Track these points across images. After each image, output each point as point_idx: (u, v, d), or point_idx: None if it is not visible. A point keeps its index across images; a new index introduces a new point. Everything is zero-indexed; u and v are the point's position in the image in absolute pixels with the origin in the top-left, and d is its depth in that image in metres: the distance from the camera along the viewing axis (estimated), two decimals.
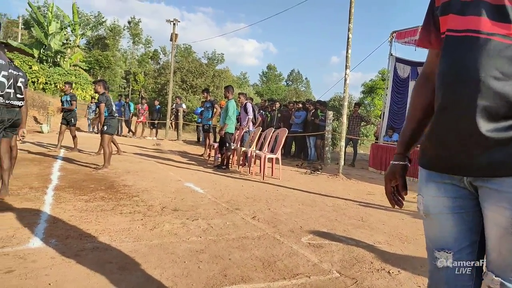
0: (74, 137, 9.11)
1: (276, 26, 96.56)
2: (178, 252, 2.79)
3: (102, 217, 3.58)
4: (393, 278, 2.57)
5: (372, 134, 20.52)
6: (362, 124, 11.74)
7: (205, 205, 4.40)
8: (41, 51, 25.45)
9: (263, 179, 6.70)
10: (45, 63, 24.75)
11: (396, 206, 1.29)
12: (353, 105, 14.12)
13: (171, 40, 18.86)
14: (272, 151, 7.60)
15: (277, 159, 7.22)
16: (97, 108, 17.63)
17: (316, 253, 2.96)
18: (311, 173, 8.10)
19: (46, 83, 21.80)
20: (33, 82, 20.74)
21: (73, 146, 9.03)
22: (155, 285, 2.24)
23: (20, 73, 4.03)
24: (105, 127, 6.69)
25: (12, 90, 4.03)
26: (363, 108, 24.04)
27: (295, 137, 11.26)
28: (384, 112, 11.42)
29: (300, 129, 11.10)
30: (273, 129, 8.21)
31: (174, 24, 18.54)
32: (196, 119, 17.02)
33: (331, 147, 9.88)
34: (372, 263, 2.83)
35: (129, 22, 41.55)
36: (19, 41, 28.40)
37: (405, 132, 1.27)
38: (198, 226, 3.52)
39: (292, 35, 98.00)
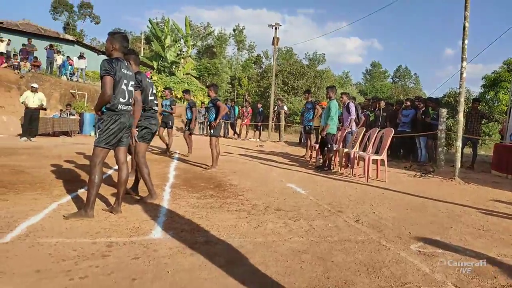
0: (169, 139, 9.72)
1: (380, 21, 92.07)
2: (280, 250, 2.86)
3: (211, 214, 3.85)
4: None
5: (496, 133, 18.15)
6: (483, 122, 10.46)
7: (307, 206, 4.41)
8: (159, 62, 28.40)
9: (367, 181, 6.45)
10: (162, 73, 27.57)
11: None
12: (471, 101, 12.69)
13: (272, 44, 19.36)
14: (377, 152, 7.26)
15: (382, 160, 6.87)
16: (206, 113, 18.97)
17: (428, 262, 2.74)
18: (422, 176, 7.50)
19: (163, 90, 24.25)
20: None
21: (168, 147, 9.53)
22: (259, 281, 2.33)
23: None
24: (212, 130, 7.15)
25: (152, 97, 4.65)
26: (484, 104, 21.38)
27: (403, 138, 10.55)
28: (511, 108, 10.00)
29: (408, 128, 10.36)
30: (378, 129, 7.83)
31: (275, 28, 18.98)
32: (297, 120, 17.14)
33: (445, 148, 8.99)
34: (495, 278, 2.51)
35: (234, 30, 43.85)
36: (142, 55, 32.10)
37: None
38: (300, 226, 3.55)
39: (398, 29, 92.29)
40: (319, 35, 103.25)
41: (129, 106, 3.72)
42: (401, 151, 11.29)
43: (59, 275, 2.26)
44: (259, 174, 6.89)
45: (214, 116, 7.08)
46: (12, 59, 17.92)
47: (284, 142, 16.19)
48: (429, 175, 7.53)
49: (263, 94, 31.62)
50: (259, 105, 18.89)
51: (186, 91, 9.96)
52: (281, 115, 16.51)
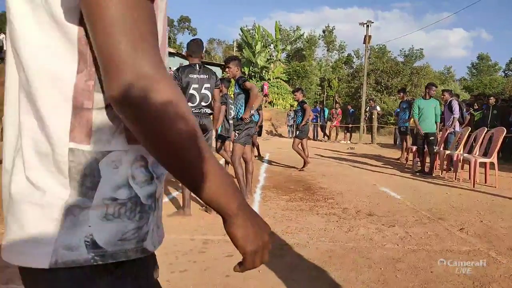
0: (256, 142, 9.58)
1: (489, 8, 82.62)
2: (373, 257, 2.74)
3: (301, 216, 3.86)
4: None
5: None
6: None
7: (403, 212, 4.15)
8: (250, 68, 29.40)
9: (473, 186, 5.82)
10: (253, 79, 28.48)
11: None
12: None
13: (364, 42, 18.68)
14: (486, 154, 6.52)
15: (492, 163, 6.14)
16: (295, 115, 19.07)
17: None
18: None
19: None
20: None
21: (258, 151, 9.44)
22: (350, 287, 2.27)
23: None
24: (298, 132, 7.25)
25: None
26: None
27: None
28: None
29: None
30: (486, 129, 7.02)
31: (367, 26, 18.29)
32: (392, 121, 16.25)
33: None
34: None
35: (323, 31, 43.38)
36: None
37: None
38: (394, 233, 3.36)
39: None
40: (416, 29, 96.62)
41: (203, 109, 3.78)
42: None
43: (162, 268, 2.47)
44: (350, 177, 6.69)
45: (301, 119, 7.26)
46: None
47: (377, 144, 15.47)
48: None
49: (354, 94, 30.67)
50: (349, 107, 18.36)
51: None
52: (373, 116, 15.82)
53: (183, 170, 0.55)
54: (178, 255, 2.70)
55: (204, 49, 4.14)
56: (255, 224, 0.63)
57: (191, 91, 3.71)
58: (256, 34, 31.57)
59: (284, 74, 33.08)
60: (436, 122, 7.27)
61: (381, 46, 38.29)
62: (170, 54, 28.20)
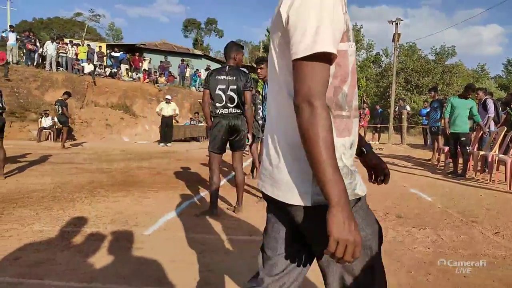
0: None
1: None
2: (403, 260, 2.68)
3: None
4: None
5: None
6: None
7: (434, 214, 4.03)
8: None
9: (509, 188, 5.57)
10: None
11: None
12: None
13: (393, 40, 18.28)
14: None
15: None
16: None
17: None
18: None
19: None
20: None
21: None
22: None
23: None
24: None
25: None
26: None
27: None
28: None
29: None
30: None
31: (396, 24, 17.90)
32: (421, 121, 15.80)
33: None
34: None
35: None
36: None
37: None
38: (425, 236, 3.27)
39: None
40: (447, 26, 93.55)
41: (231, 109, 3.77)
42: None
43: (190, 266, 2.52)
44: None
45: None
46: (152, 75, 20.61)
47: (406, 144, 15.09)
48: None
49: (382, 94, 30.10)
50: (378, 107, 18.00)
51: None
52: (403, 116, 15.44)
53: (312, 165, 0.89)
54: (205, 254, 2.73)
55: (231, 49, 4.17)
56: (349, 220, 0.85)
57: (217, 92, 3.75)
58: None
59: None
60: (476, 122, 7.19)
61: (411, 44, 37.36)
62: (197, 56, 28.61)
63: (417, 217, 3.90)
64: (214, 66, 26.82)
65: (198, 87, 22.54)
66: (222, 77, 3.77)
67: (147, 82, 19.78)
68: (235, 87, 3.77)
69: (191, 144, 14.73)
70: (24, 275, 2.30)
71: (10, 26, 17.90)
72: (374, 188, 5.57)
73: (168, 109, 13.40)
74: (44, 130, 13.66)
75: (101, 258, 2.62)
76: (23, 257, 2.59)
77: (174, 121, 13.85)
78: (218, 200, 4.42)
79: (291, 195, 1.00)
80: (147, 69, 20.95)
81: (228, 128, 3.78)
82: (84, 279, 2.28)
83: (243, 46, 4.51)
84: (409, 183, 6.06)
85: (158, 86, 19.67)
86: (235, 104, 3.79)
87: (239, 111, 3.83)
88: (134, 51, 22.98)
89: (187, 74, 22.54)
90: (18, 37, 16.83)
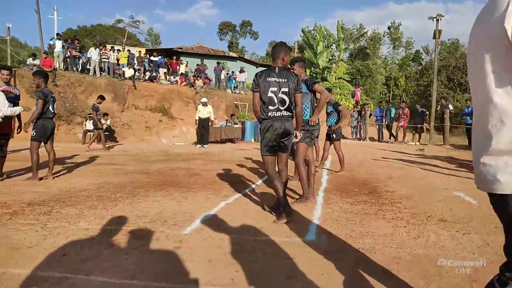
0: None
1: None
2: (446, 266, 2.57)
3: (365, 220, 3.73)
4: None
5: None
6: None
7: (480, 219, 3.84)
8: (311, 69, 29.09)
9: None
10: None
11: None
12: None
13: (434, 37, 17.61)
14: None
15: None
16: (358, 116, 18.48)
17: None
18: None
19: None
20: None
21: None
22: None
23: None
24: (334, 135, 7.17)
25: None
26: None
27: None
28: None
29: None
30: None
31: (437, 20, 17.23)
32: (465, 121, 15.08)
33: None
34: None
35: (388, 28, 41.64)
36: None
37: None
38: (471, 241, 3.12)
39: None
40: None
41: (283, 112, 3.70)
42: None
43: (226, 266, 2.55)
44: (419, 180, 6.32)
45: (335, 121, 7.16)
46: (189, 78, 21.07)
47: (449, 145, 14.47)
48: None
49: (423, 93, 29.03)
50: (418, 106, 17.39)
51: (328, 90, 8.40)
52: (445, 115, 14.82)
53: None
54: (242, 254, 2.75)
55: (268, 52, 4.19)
56: None
57: (269, 94, 3.67)
58: (317, 34, 31.17)
59: (347, 75, 32.24)
60: None
61: (453, 40, 35.80)
62: (232, 58, 28.91)
63: (462, 221, 3.73)
64: (249, 68, 27.04)
65: (234, 89, 22.78)
66: (273, 79, 3.70)
67: (184, 85, 20.24)
68: (286, 89, 3.71)
69: (227, 146, 14.92)
70: (71, 270, 2.42)
71: (57, 34, 18.95)
72: (415, 190, 5.41)
73: (205, 112, 13.66)
74: (88, 133, 14.33)
75: (142, 256, 2.71)
76: (70, 253, 2.73)
77: (210, 123, 14.10)
78: (255, 200, 4.46)
79: None
80: (184, 72, 21.45)
81: (280, 131, 3.71)
82: (125, 276, 2.37)
83: (291, 48, 4.38)
84: (453, 185, 5.81)
85: (195, 88, 20.08)
86: (286, 106, 3.72)
87: (290, 113, 3.77)
88: (171, 55, 23.60)
89: (222, 77, 22.83)
90: (64, 44, 17.77)
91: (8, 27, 16.34)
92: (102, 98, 12.03)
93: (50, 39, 20.20)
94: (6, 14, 77.71)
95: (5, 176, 5.90)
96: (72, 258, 2.64)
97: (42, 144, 5.81)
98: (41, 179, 5.73)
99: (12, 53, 18.76)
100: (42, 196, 4.66)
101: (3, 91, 5.61)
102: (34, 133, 5.68)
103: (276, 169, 3.90)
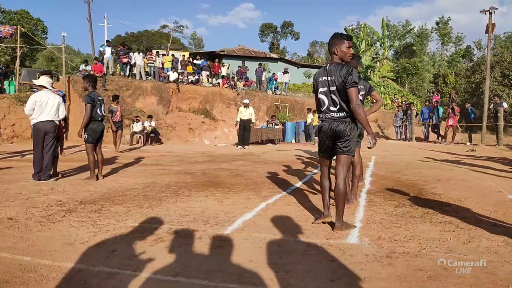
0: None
1: None
2: (499, 273, 2.42)
3: (411, 223, 3.60)
4: None
5: None
6: None
7: None
8: None
9: None
10: None
11: None
12: None
13: (486, 32, 16.63)
14: None
15: None
16: (404, 116, 17.82)
17: None
18: None
19: None
20: None
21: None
22: None
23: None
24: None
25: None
26: None
27: None
28: None
29: None
30: None
31: (490, 13, 16.25)
32: None
33: None
34: None
35: (437, 23, 39.90)
36: None
37: None
38: None
39: None
40: None
41: (334, 113, 3.38)
42: None
43: (267, 266, 2.56)
44: (470, 182, 5.99)
45: None
46: (231, 80, 21.38)
47: (503, 145, 13.58)
48: None
49: (474, 90, 27.49)
50: (468, 105, 16.48)
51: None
52: (499, 114, 13.91)
53: None
54: (283, 255, 2.75)
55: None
56: None
57: (319, 96, 3.46)
58: (361, 32, 30.47)
59: (392, 73, 31.22)
60: None
61: (509, 34, 33.62)
62: (273, 59, 28.97)
63: None
64: (291, 68, 26.94)
65: (275, 90, 22.81)
66: (323, 78, 3.41)
67: (226, 87, 20.56)
68: (334, 88, 3.33)
69: (268, 147, 14.97)
70: (120, 266, 2.55)
71: (107, 41, 19.98)
72: (465, 193, 5.16)
73: (246, 113, 13.80)
74: (135, 135, 14.95)
75: (185, 254, 2.79)
76: (118, 249, 2.87)
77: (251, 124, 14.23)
78: (296, 201, 4.44)
79: None
80: (225, 74, 21.78)
81: (330, 134, 3.40)
82: (169, 273, 2.45)
83: (351, 36, 3.67)
84: (507, 188, 5.45)
85: (236, 90, 20.33)
86: (338, 107, 3.36)
87: (344, 114, 3.36)
88: (214, 57, 24.10)
89: (264, 78, 22.94)
90: (113, 50, 18.68)
91: (63, 36, 17.31)
92: (116, 98, 11.86)
93: (100, 46, 21.33)
94: (60, 23, 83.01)
95: (59, 175, 6.30)
96: (120, 255, 2.77)
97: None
98: (97, 179, 6.06)
99: (67, 60, 19.97)
100: (93, 195, 4.93)
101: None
102: (86, 136, 6.03)
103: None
